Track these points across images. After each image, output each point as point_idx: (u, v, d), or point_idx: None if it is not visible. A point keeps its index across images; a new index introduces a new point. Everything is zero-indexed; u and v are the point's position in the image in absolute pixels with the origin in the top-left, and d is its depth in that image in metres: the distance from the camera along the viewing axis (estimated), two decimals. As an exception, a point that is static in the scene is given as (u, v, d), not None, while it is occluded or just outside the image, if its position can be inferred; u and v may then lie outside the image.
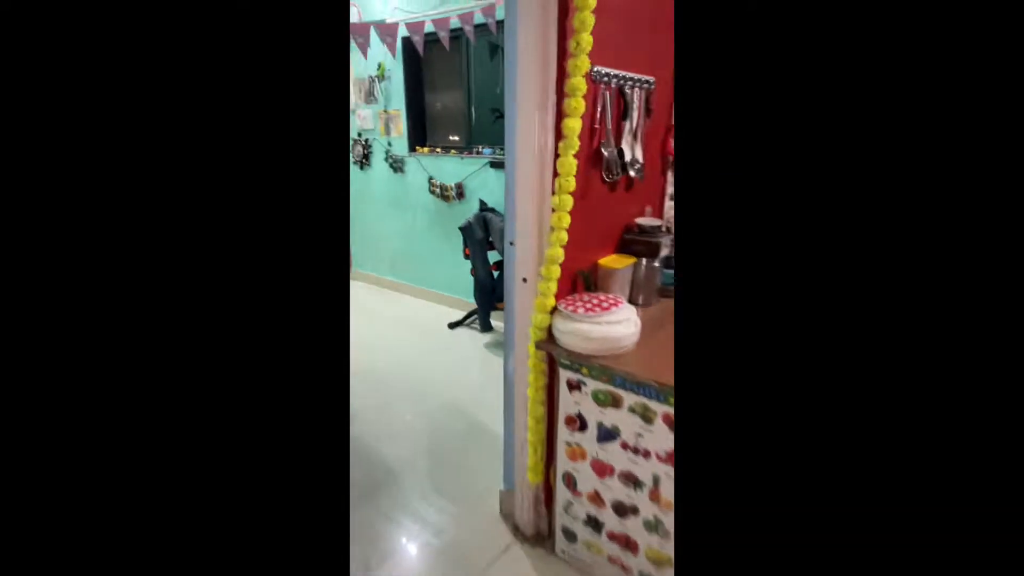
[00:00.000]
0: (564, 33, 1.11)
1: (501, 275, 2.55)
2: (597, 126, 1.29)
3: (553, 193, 1.20)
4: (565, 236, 1.20)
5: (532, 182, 1.21)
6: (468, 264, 2.87)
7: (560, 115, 1.15)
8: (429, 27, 2.77)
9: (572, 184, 1.15)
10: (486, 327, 2.96)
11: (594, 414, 1.22)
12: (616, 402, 1.16)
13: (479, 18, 2.66)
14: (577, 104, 1.11)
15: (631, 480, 1.20)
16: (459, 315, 3.27)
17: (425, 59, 3.31)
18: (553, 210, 1.20)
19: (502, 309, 1.72)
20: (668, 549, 1.18)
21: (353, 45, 2.63)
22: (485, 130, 3.12)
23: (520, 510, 1.49)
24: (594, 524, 1.31)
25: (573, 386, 1.24)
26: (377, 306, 3.61)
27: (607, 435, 1.21)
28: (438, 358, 2.74)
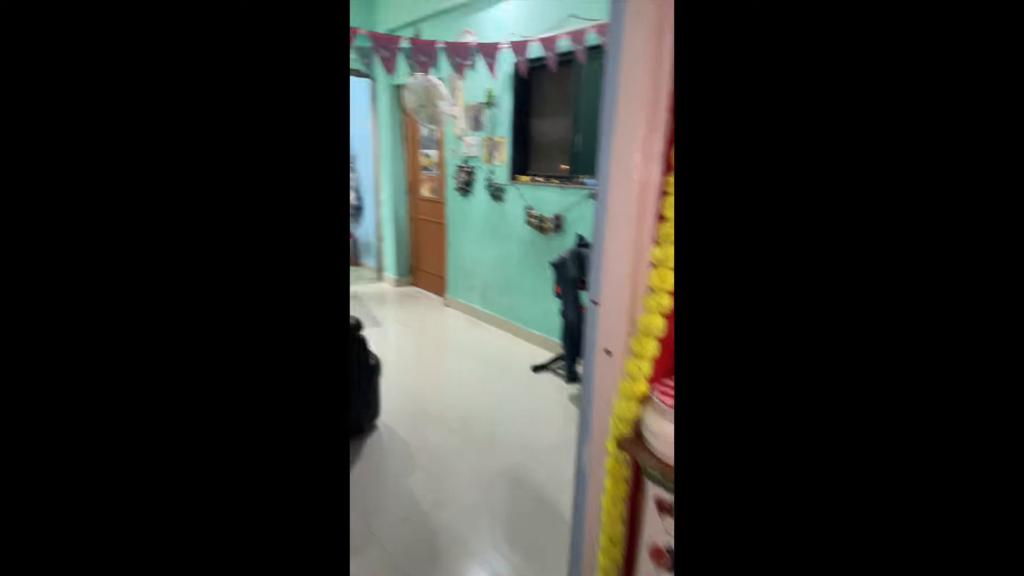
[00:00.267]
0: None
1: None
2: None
3: (655, 243, 0.88)
4: (668, 301, 0.88)
5: (627, 227, 0.91)
6: (559, 303, 2.60)
7: (672, 141, 0.85)
8: (537, 49, 2.61)
9: (683, 233, 0.84)
10: (572, 377, 2.64)
11: (693, 557, 0.86)
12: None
13: (593, 38, 2.44)
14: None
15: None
16: (546, 356, 2.99)
17: (534, 84, 3.17)
18: (654, 265, 0.89)
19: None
20: None
21: (448, 65, 2.54)
22: (590, 159, 2.87)
23: (583, 644, 1.15)
24: None
25: (665, 509, 0.89)
26: (463, 337, 3.47)
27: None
28: (516, 405, 2.48)
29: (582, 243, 2.57)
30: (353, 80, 4.60)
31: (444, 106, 3.34)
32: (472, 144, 3.53)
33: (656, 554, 0.93)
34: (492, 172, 3.41)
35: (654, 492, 0.91)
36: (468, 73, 3.35)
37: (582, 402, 1.10)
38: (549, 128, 3.17)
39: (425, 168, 4.28)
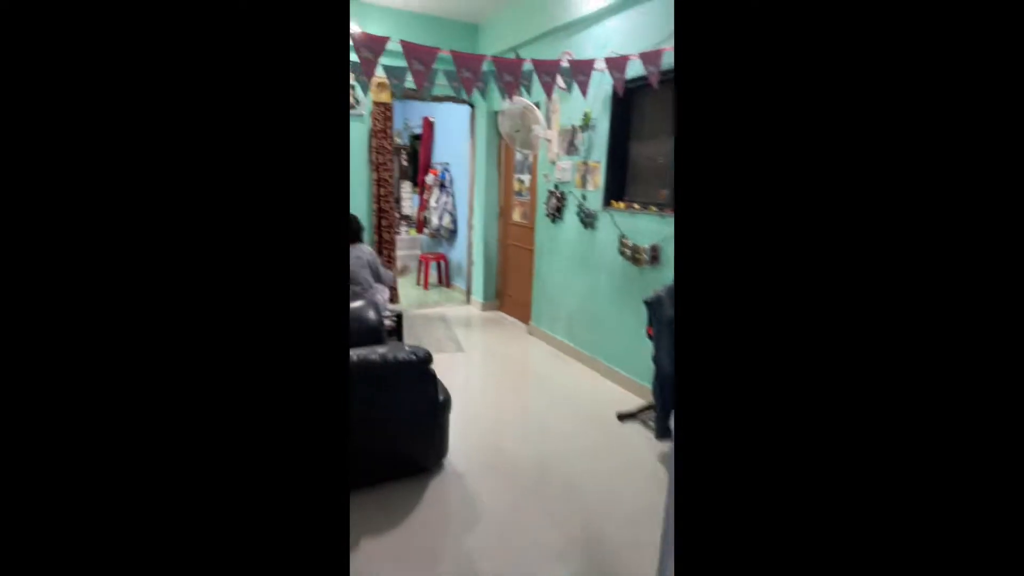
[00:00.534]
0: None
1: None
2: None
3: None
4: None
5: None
6: (651, 345, 2.30)
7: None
8: (638, 68, 2.40)
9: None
10: (662, 433, 2.30)
11: None
12: None
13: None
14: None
15: None
16: (633, 403, 2.69)
17: (634, 105, 2.95)
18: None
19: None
20: None
21: (538, 85, 2.40)
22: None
23: None
24: None
25: None
26: (544, 370, 3.28)
27: None
28: (597, 459, 2.21)
29: (681, 280, 2.26)
30: (453, 106, 4.72)
31: (539, 130, 3.24)
32: (565, 168, 3.38)
33: None
34: (584, 198, 3.22)
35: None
36: (565, 95, 3.23)
37: (673, 465, 0.86)
38: (648, 151, 2.92)
39: (517, 193, 4.21)
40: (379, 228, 4.19)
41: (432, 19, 3.98)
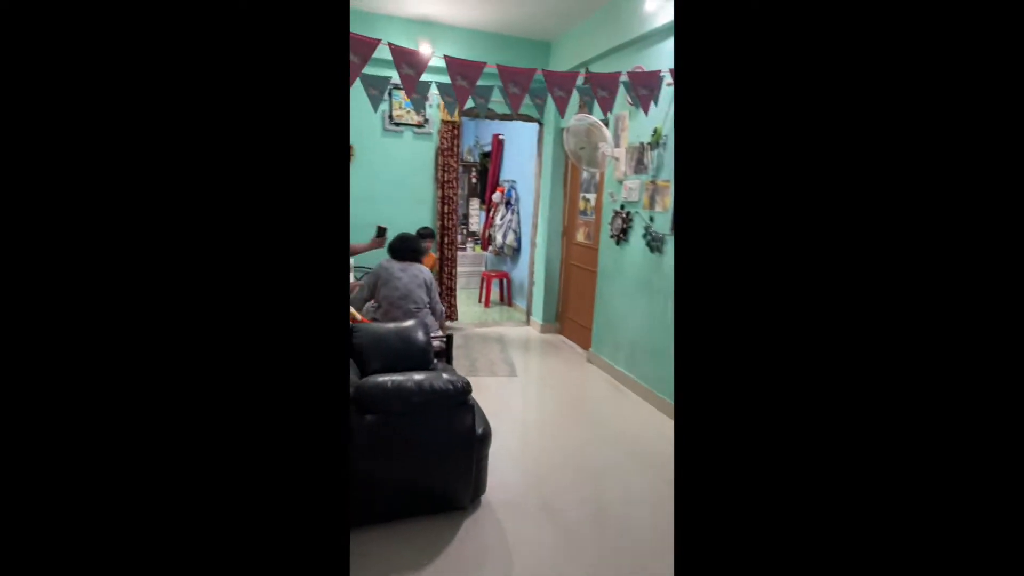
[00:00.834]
0: None
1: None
2: None
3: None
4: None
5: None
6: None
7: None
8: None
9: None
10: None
11: None
12: None
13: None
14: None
15: None
16: (698, 449, 2.40)
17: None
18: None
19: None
20: None
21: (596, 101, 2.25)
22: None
23: None
24: None
25: None
26: (601, 402, 3.06)
27: None
28: (654, 512, 1.97)
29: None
30: (522, 124, 4.67)
31: (605, 148, 3.08)
32: (632, 188, 3.18)
33: None
34: (651, 219, 3.00)
35: None
36: (635, 112, 3.05)
37: None
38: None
39: (582, 212, 4.06)
40: (441, 245, 4.21)
41: (504, 38, 3.97)
